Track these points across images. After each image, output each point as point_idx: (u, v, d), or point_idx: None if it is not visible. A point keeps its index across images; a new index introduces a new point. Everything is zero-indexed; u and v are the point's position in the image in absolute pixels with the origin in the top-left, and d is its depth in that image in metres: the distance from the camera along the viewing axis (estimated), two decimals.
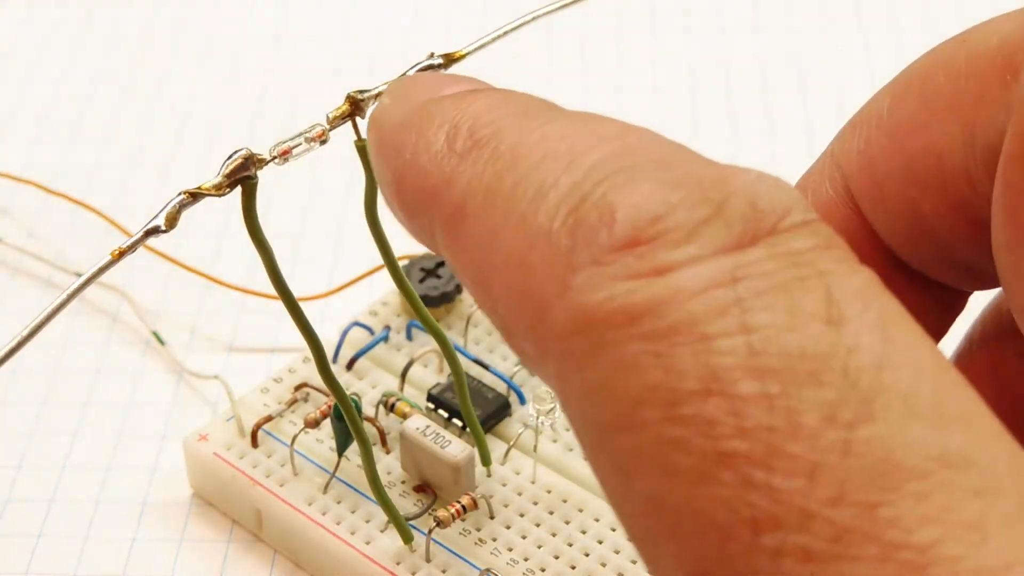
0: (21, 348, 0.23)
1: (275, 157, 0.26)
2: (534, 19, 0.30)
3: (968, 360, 0.23)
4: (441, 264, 0.37)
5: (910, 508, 0.14)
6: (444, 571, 0.31)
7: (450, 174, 0.18)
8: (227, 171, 0.25)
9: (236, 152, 0.26)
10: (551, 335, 0.16)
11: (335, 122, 0.27)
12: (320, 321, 0.38)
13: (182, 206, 0.25)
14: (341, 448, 0.33)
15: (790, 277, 0.15)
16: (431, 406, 0.34)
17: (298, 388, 0.35)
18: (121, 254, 0.24)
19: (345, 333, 0.36)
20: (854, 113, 0.22)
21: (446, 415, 0.34)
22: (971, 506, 0.14)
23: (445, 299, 0.36)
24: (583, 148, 0.17)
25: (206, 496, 0.35)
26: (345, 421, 0.31)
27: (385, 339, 0.36)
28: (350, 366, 0.36)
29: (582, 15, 0.50)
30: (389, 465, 0.33)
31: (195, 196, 0.25)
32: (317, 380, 0.35)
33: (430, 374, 0.35)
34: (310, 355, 0.34)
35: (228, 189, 0.25)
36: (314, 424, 0.33)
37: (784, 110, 0.46)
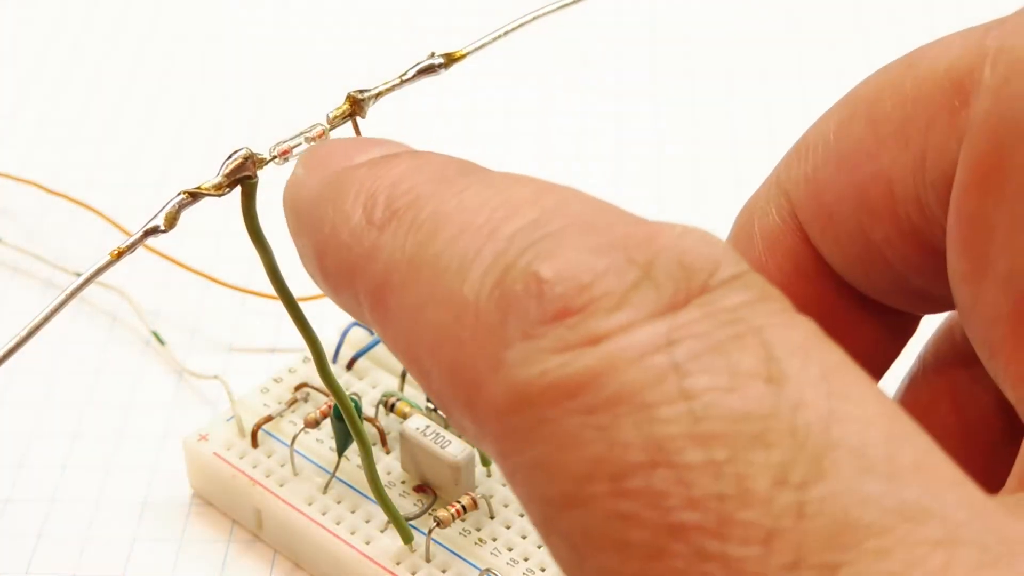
0: (21, 348, 0.23)
1: (275, 157, 0.26)
2: (534, 19, 0.30)
3: (922, 384, 0.23)
4: None
5: (872, 565, 0.14)
6: (444, 571, 0.31)
7: (371, 247, 0.18)
8: (227, 171, 0.25)
9: (236, 152, 0.26)
10: (488, 413, 0.16)
11: (335, 122, 0.27)
12: (320, 321, 0.38)
13: (181, 206, 0.25)
14: (341, 448, 0.33)
15: (725, 336, 0.15)
16: (431, 406, 0.34)
17: (298, 388, 0.35)
18: (120, 254, 0.24)
19: (345, 333, 0.36)
20: (799, 138, 0.22)
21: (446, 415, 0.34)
22: (935, 558, 0.14)
23: None
24: (503, 215, 0.17)
25: (206, 496, 0.35)
26: (345, 421, 0.31)
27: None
28: (350, 366, 0.36)
29: (582, 15, 0.49)
30: (389, 465, 0.33)
31: (195, 196, 0.25)
32: (317, 380, 0.35)
33: None
34: (310, 355, 0.35)
35: (228, 189, 0.25)
36: (314, 424, 0.33)
37: (783, 109, 0.46)
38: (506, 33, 0.29)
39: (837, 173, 0.21)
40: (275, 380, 0.35)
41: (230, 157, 0.25)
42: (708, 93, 0.47)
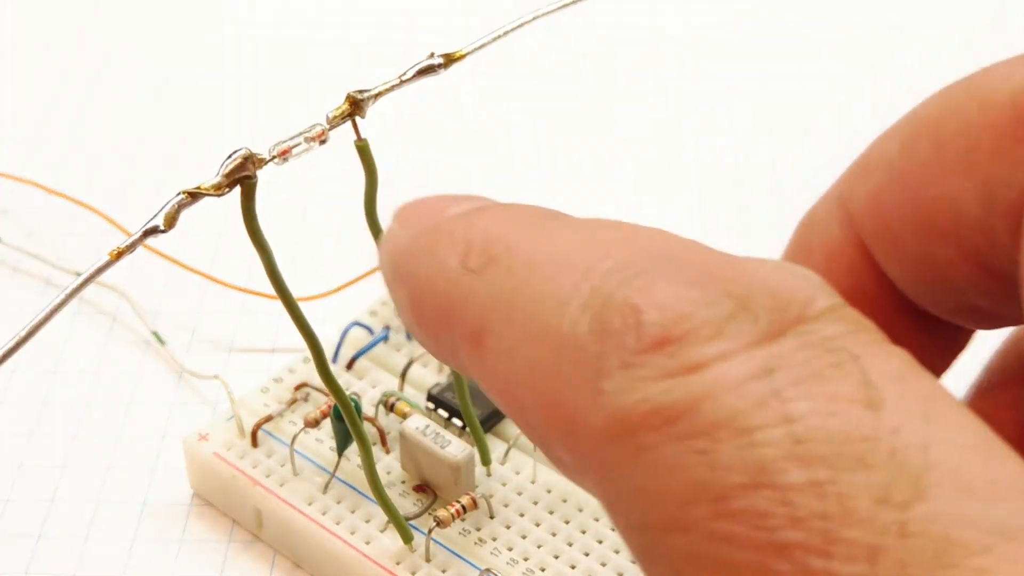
0: (20, 348, 0.23)
1: (274, 157, 0.26)
2: (534, 19, 0.30)
3: (990, 397, 0.23)
4: None
5: None
6: (444, 571, 0.31)
7: (467, 292, 0.18)
8: (226, 171, 0.25)
9: (235, 152, 0.26)
10: (587, 443, 0.16)
11: (335, 122, 0.27)
12: (320, 321, 0.38)
13: (181, 206, 0.25)
14: (341, 448, 0.33)
15: (825, 364, 0.15)
16: (431, 406, 0.34)
17: (298, 388, 0.35)
18: (120, 254, 0.24)
19: (345, 333, 0.36)
20: (860, 155, 0.22)
21: (446, 415, 0.34)
22: None
23: None
24: (597, 255, 0.17)
25: (206, 496, 0.35)
26: (345, 421, 0.31)
27: (385, 339, 0.36)
28: (350, 366, 0.36)
29: (582, 14, 0.49)
30: (389, 465, 0.33)
31: (194, 196, 0.25)
32: (317, 380, 0.35)
33: (430, 374, 0.35)
34: (310, 355, 0.35)
35: (227, 189, 0.25)
36: (314, 424, 0.33)
37: (784, 109, 0.46)
38: (506, 33, 0.29)
39: (901, 194, 0.21)
40: (275, 380, 0.35)
41: (230, 157, 0.26)
42: (708, 92, 0.47)
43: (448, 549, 0.31)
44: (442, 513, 0.31)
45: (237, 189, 0.26)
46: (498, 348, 0.18)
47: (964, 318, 0.22)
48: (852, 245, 0.22)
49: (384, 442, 0.34)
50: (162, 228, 0.24)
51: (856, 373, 0.15)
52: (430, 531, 0.31)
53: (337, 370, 0.35)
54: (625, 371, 0.16)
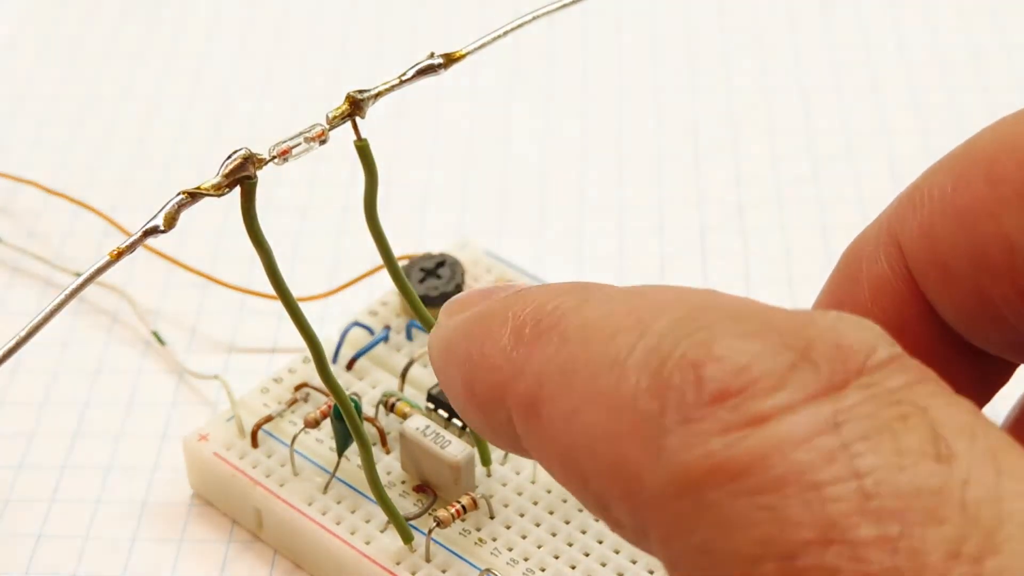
0: (20, 348, 0.23)
1: (274, 157, 0.26)
2: (534, 19, 0.30)
3: None
4: (441, 264, 0.37)
5: None
6: (444, 571, 0.31)
7: (521, 364, 0.19)
8: (226, 171, 0.25)
9: (235, 152, 0.26)
10: (649, 502, 0.16)
11: (335, 122, 0.27)
12: (320, 321, 0.38)
13: (181, 206, 0.25)
14: (341, 448, 0.33)
15: (891, 416, 0.15)
16: (431, 406, 0.34)
17: (298, 388, 0.35)
18: (119, 254, 0.24)
19: (345, 333, 0.36)
20: (909, 187, 0.22)
21: (446, 415, 0.34)
22: None
23: (445, 299, 0.36)
24: (651, 317, 0.17)
25: (206, 496, 0.35)
26: (345, 421, 0.31)
27: (385, 339, 0.36)
28: (350, 366, 0.36)
29: (582, 15, 0.49)
30: (389, 465, 0.33)
31: (194, 196, 0.25)
32: (317, 380, 0.35)
33: (430, 374, 0.35)
34: (310, 355, 0.35)
35: (227, 189, 0.25)
36: (314, 424, 0.33)
37: (783, 107, 0.46)
38: (506, 33, 0.29)
39: (955, 229, 0.21)
40: (275, 380, 0.35)
41: (229, 157, 0.26)
42: (708, 92, 0.47)
43: (448, 549, 0.31)
44: (442, 513, 0.31)
45: (237, 189, 0.26)
46: (554, 415, 0.18)
47: (1012, 352, 0.22)
48: (900, 278, 0.22)
49: (384, 442, 0.34)
50: (162, 228, 0.24)
51: (924, 426, 0.15)
52: (430, 531, 0.31)
53: (337, 370, 0.35)
54: (686, 426, 0.16)
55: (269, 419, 0.34)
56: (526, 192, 0.43)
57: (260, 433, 0.34)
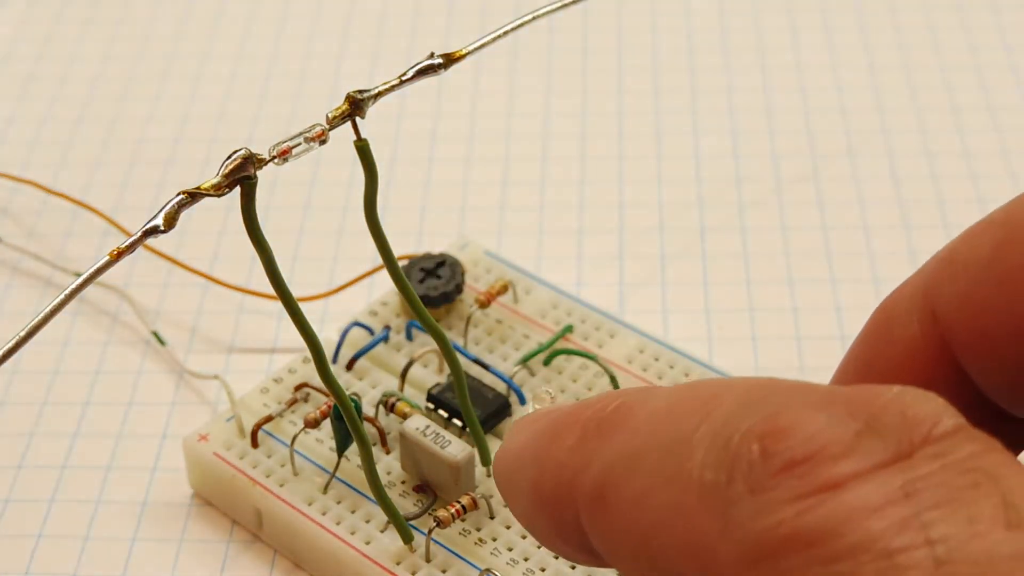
0: (20, 348, 0.23)
1: (274, 157, 0.26)
2: (534, 19, 0.30)
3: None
4: (441, 264, 0.37)
5: None
6: (444, 571, 0.31)
7: (589, 456, 0.19)
8: (226, 171, 0.25)
9: (235, 152, 0.26)
10: (724, 575, 0.16)
11: (335, 122, 0.27)
12: (320, 321, 0.38)
13: (181, 206, 0.25)
14: (341, 448, 0.33)
15: (962, 485, 0.16)
16: (431, 406, 0.34)
17: (298, 388, 0.35)
18: (120, 254, 0.24)
19: (345, 333, 0.36)
20: (943, 249, 0.22)
21: (446, 415, 0.34)
22: None
23: (445, 299, 0.36)
24: (715, 400, 0.18)
25: (206, 496, 0.35)
26: (345, 421, 0.31)
27: (385, 339, 0.36)
28: (350, 366, 0.36)
29: (582, 15, 0.49)
30: (389, 465, 0.33)
31: (194, 196, 0.25)
32: (317, 380, 0.35)
33: (430, 374, 0.35)
34: (310, 355, 0.35)
35: (227, 189, 0.25)
36: (314, 424, 0.33)
37: (783, 107, 0.46)
38: (506, 33, 0.29)
39: (996, 297, 0.21)
40: (275, 380, 0.35)
41: (229, 157, 0.26)
42: (709, 92, 0.47)
43: (448, 549, 0.31)
44: (442, 513, 0.31)
45: (237, 189, 0.26)
46: (622, 500, 0.18)
47: None
48: (934, 343, 0.22)
49: (384, 442, 0.34)
50: (162, 228, 0.24)
51: (995, 494, 0.15)
52: (430, 531, 0.31)
53: (337, 370, 0.35)
54: (754, 496, 0.16)
55: (269, 419, 0.34)
56: (526, 192, 0.43)
57: (260, 433, 0.34)
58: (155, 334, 0.39)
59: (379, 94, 0.28)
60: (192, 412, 0.37)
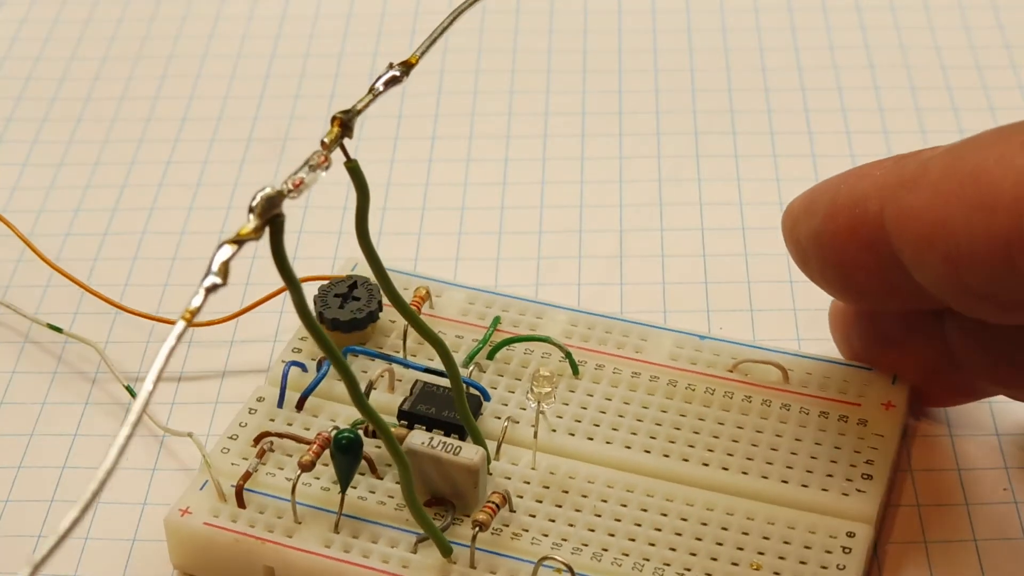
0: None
1: (291, 191, 0.26)
2: (469, 6, 0.30)
3: None
4: (353, 286, 0.36)
5: None
6: (494, 573, 0.31)
7: (901, 161, 0.28)
8: (258, 212, 0.25)
9: (259, 192, 0.25)
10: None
11: (331, 146, 0.27)
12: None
13: (231, 257, 0.24)
14: (345, 481, 0.32)
15: None
16: (404, 423, 0.34)
17: (258, 439, 0.34)
18: (193, 316, 0.23)
19: (285, 376, 0.35)
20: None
21: (424, 428, 0.33)
22: None
23: (371, 319, 0.36)
24: None
25: (191, 570, 0.33)
26: (348, 455, 0.31)
27: (326, 372, 0.35)
28: (300, 406, 0.35)
29: (583, 15, 0.49)
30: (390, 489, 0.32)
31: (239, 243, 0.24)
32: (274, 427, 0.34)
33: (389, 398, 0.35)
34: (251, 403, 0.34)
35: (264, 231, 0.25)
36: (310, 466, 0.32)
37: (784, 107, 0.46)
38: (443, 30, 0.30)
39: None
40: (230, 438, 0.34)
41: (254, 199, 0.25)
42: (709, 92, 0.47)
43: (489, 552, 0.31)
44: (481, 516, 0.31)
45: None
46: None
47: None
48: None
49: (373, 469, 0.33)
50: (221, 283, 0.24)
51: None
52: (474, 537, 0.31)
53: (288, 412, 0.34)
54: None
55: (248, 476, 0.33)
56: (527, 190, 0.43)
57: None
58: (128, 388, 0.37)
59: (359, 111, 0.27)
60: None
